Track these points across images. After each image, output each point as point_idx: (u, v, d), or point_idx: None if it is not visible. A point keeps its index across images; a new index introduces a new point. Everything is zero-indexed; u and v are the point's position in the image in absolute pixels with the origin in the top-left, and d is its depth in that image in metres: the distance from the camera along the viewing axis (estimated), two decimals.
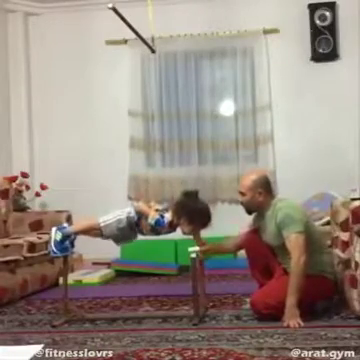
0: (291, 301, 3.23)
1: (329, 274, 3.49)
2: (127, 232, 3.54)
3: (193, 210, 3.44)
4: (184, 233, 3.52)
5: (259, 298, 3.39)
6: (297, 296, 3.23)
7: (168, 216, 3.47)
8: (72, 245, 3.60)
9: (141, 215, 3.53)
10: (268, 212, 3.50)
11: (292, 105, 6.22)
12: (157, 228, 3.49)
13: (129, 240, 3.63)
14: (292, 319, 3.20)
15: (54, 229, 3.60)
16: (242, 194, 3.54)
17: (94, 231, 3.61)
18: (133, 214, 3.54)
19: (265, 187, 3.52)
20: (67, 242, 3.56)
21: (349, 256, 3.35)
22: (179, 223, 3.47)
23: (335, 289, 3.56)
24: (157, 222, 3.45)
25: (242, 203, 3.57)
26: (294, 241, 3.30)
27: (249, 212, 3.61)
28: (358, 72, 6.05)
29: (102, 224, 3.54)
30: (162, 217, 3.46)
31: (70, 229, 3.62)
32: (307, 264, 3.26)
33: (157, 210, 3.49)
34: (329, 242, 3.97)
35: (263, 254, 3.57)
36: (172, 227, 3.52)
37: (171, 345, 2.92)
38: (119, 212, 3.55)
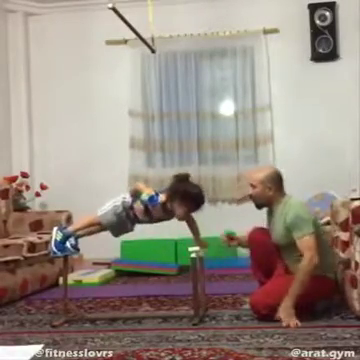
0: (289, 302, 3.24)
1: (330, 274, 3.49)
2: (124, 218, 3.53)
3: (185, 192, 3.43)
4: (179, 218, 3.49)
5: (259, 298, 3.39)
6: (297, 297, 3.24)
7: (162, 196, 3.45)
8: (76, 248, 3.59)
9: (135, 198, 3.52)
10: (278, 210, 3.50)
11: (292, 105, 6.22)
12: (150, 208, 3.46)
13: (126, 229, 3.61)
14: (289, 318, 3.20)
15: (55, 229, 3.61)
16: (252, 186, 3.54)
17: (94, 226, 3.62)
18: (128, 198, 3.54)
19: (276, 183, 3.52)
20: (70, 241, 3.56)
21: (349, 256, 3.35)
22: (173, 207, 3.45)
23: (336, 289, 3.56)
24: (151, 198, 3.40)
25: (251, 196, 3.57)
26: (307, 243, 3.31)
27: (258, 206, 3.60)
28: (358, 72, 6.05)
29: (100, 213, 3.55)
30: (157, 195, 3.44)
31: (71, 228, 3.63)
32: (317, 263, 3.28)
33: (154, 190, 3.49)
34: (329, 242, 3.98)
35: (268, 252, 3.54)
36: (166, 211, 3.49)
37: (171, 345, 2.92)
38: (114, 200, 3.56)
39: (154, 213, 3.51)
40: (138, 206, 3.50)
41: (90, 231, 3.67)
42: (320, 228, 3.57)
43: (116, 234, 3.66)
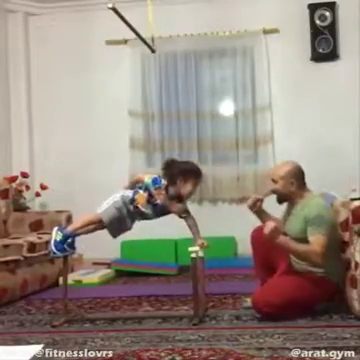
0: (290, 242, 3.41)
1: (333, 277, 3.49)
2: (124, 213, 3.53)
3: (183, 169, 3.50)
4: (186, 195, 3.52)
5: (260, 296, 3.40)
6: (295, 249, 3.41)
7: (164, 181, 3.49)
8: (72, 247, 3.60)
9: (136, 189, 3.54)
10: (299, 204, 3.54)
11: (292, 105, 6.22)
12: (154, 193, 3.46)
13: (125, 226, 3.60)
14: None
15: (55, 229, 3.61)
16: (274, 182, 3.59)
17: (94, 224, 3.62)
18: (127, 193, 3.56)
19: (298, 178, 3.56)
20: (66, 243, 3.57)
21: (349, 256, 3.35)
22: (177, 190, 3.48)
23: (337, 292, 3.55)
24: (154, 180, 3.46)
25: (274, 191, 3.61)
26: (319, 241, 3.36)
27: (280, 201, 3.64)
28: (358, 72, 6.05)
29: (99, 211, 3.56)
30: (159, 177, 3.49)
31: (70, 228, 3.63)
32: (318, 263, 3.36)
33: None
34: None
35: (270, 251, 3.56)
36: (169, 196, 3.50)
37: (171, 345, 2.92)
38: (112, 196, 3.58)
39: (159, 200, 3.49)
40: (140, 196, 3.50)
41: (89, 229, 3.67)
42: (338, 232, 3.58)
43: (115, 233, 3.65)
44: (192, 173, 3.52)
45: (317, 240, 3.36)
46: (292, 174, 3.56)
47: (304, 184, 3.61)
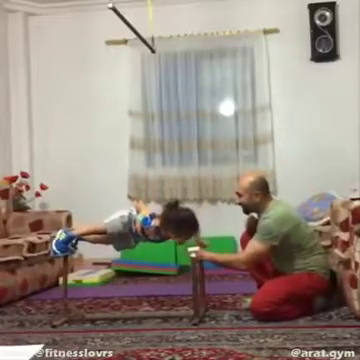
0: (214, 256, 3.50)
1: (321, 273, 3.52)
2: (128, 230, 3.56)
3: (177, 221, 3.45)
4: (179, 244, 3.59)
5: (259, 299, 3.43)
6: (219, 261, 3.55)
7: (156, 221, 3.49)
8: (75, 247, 3.61)
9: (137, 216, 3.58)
10: (263, 214, 3.57)
11: (292, 105, 6.22)
12: (145, 229, 3.51)
13: (129, 243, 3.64)
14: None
15: (60, 231, 3.64)
16: (239, 195, 3.63)
17: (98, 235, 3.63)
18: (134, 212, 3.60)
19: (262, 189, 3.60)
20: (70, 243, 3.58)
21: (349, 256, 3.35)
22: (168, 235, 3.51)
23: (329, 286, 3.57)
24: (144, 220, 3.48)
25: (240, 204, 3.65)
26: (253, 245, 3.46)
27: (246, 212, 3.70)
28: (358, 72, 6.05)
29: (106, 221, 3.59)
30: (151, 218, 3.48)
31: (75, 232, 3.65)
32: (244, 267, 3.57)
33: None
34: (329, 242, 3.98)
35: None
36: (160, 235, 3.54)
37: (171, 345, 2.92)
38: (122, 211, 3.62)
39: (148, 234, 3.54)
40: (138, 225, 3.54)
41: (93, 239, 3.68)
42: (305, 232, 3.59)
43: (118, 246, 3.70)
44: (185, 230, 3.47)
45: (252, 244, 3.46)
46: (256, 186, 3.58)
47: (268, 194, 3.63)
